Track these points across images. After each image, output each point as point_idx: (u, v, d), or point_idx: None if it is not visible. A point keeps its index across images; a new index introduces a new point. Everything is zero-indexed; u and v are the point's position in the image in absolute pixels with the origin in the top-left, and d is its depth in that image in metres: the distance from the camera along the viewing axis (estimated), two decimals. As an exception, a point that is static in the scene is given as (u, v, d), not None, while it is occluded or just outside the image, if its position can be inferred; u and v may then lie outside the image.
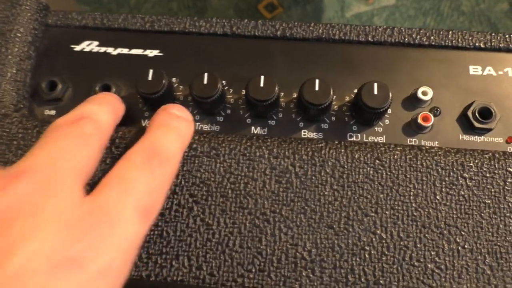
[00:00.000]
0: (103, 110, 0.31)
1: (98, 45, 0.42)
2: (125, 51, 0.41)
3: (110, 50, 0.41)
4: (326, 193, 0.33)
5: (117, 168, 0.28)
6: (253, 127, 0.38)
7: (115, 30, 0.42)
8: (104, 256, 0.24)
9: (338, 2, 1.44)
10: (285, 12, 1.45)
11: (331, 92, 0.35)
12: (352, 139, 0.37)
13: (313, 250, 0.32)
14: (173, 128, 0.31)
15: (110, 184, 0.27)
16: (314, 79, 0.35)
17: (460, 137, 0.37)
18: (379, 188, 0.33)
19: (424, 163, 0.33)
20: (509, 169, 0.33)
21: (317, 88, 0.35)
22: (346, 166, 0.33)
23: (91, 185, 0.28)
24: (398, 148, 0.34)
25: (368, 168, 0.33)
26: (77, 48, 0.42)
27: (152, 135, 0.30)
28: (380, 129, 0.38)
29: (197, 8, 1.47)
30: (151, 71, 0.36)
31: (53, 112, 0.40)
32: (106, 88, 0.39)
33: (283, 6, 1.45)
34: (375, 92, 0.35)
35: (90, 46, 0.42)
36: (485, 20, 1.44)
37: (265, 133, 0.38)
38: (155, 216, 0.28)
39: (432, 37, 0.40)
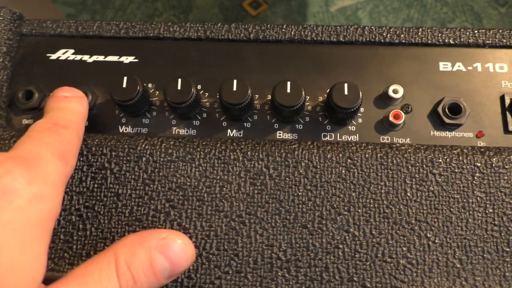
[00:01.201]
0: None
1: (74, 53, 0.42)
2: (100, 58, 0.42)
3: (86, 57, 0.42)
4: (299, 193, 0.34)
5: (25, 134, 0.32)
6: (229, 130, 0.39)
7: (90, 37, 0.42)
8: (34, 186, 0.28)
9: (322, -3, 1.45)
10: (270, 9, 1.45)
11: (303, 94, 0.36)
12: (326, 138, 0.38)
13: (288, 250, 0.33)
14: (64, 108, 0.35)
15: (23, 142, 0.31)
16: (286, 81, 0.36)
17: (432, 133, 0.38)
18: (351, 187, 0.34)
19: (394, 161, 0.34)
20: (477, 164, 0.34)
21: (289, 90, 0.36)
22: (318, 166, 0.34)
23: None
24: (369, 147, 0.35)
25: (340, 168, 0.34)
26: (53, 56, 0.42)
27: (46, 116, 0.35)
28: (353, 128, 0.38)
29: (182, 7, 1.47)
30: (125, 78, 0.37)
31: (30, 121, 0.40)
32: (83, 96, 0.40)
33: (268, 2, 1.46)
34: (346, 93, 0.35)
35: (65, 54, 0.42)
36: (468, 9, 1.45)
37: (241, 136, 0.39)
38: (73, 161, 0.33)
39: (402, 35, 0.40)
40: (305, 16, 1.44)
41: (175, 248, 0.30)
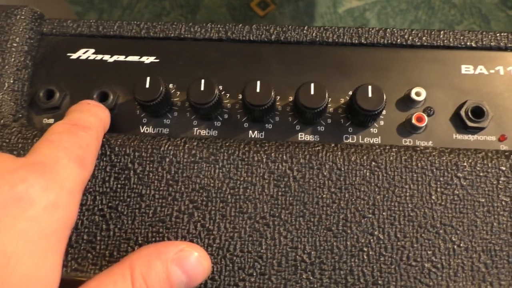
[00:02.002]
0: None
1: (94, 53, 0.42)
2: (121, 58, 0.42)
3: (107, 57, 0.42)
4: (324, 195, 0.34)
5: (43, 136, 0.31)
6: (250, 131, 0.39)
7: (110, 37, 0.42)
8: (50, 193, 0.27)
9: (330, -2, 1.45)
10: (278, 9, 1.45)
11: (327, 96, 0.36)
12: (348, 141, 0.38)
13: (312, 252, 0.33)
14: (85, 111, 0.35)
15: (40, 146, 0.30)
16: (310, 83, 0.36)
17: (454, 136, 0.38)
18: (376, 189, 0.34)
19: (419, 164, 0.34)
20: (502, 167, 0.34)
21: (312, 92, 0.36)
22: (343, 169, 0.34)
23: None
24: (393, 150, 0.35)
25: (365, 170, 0.34)
26: (74, 56, 0.42)
27: (66, 117, 0.34)
28: (375, 130, 0.38)
29: (190, 6, 1.47)
30: (148, 78, 0.37)
31: (51, 121, 0.40)
32: (104, 96, 0.40)
33: (276, 3, 1.45)
34: (369, 95, 0.35)
35: (86, 53, 0.42)
36: (476, 12, 1.45)
37: (262, 137, 0.39)
38: (91, 166, 0.32)
39: (424, 38, 0.40)
40: (312, 16, 1.44)
41: (192, 261, 0.29)
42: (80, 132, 0.32)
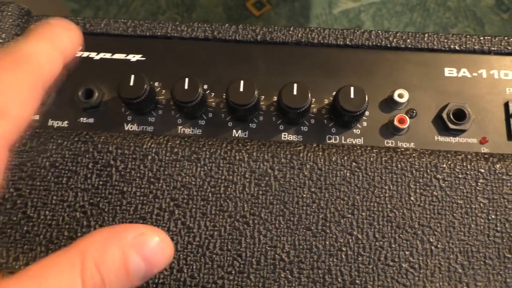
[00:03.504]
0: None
1: (81, 50, 0.42)
2: (107, 55, 0.42)
3: (93, 54, 0.42)
4: (304, 195, 0.34)
5: None
6: (234, 131, 0.39)
7: (97, 34, 0.42)
8: None
9: (326, -1, 1.45)
10: (273, 9, 1.45)
11: (309, 96, 0.36)
12: (331, 141, 0.38)
13: (291, 251, 0.33)
14: (37, 34, 0.26)
15: None
16: (293, 83, 0.36)
17: (436, 138, 0.38)
18: (356, 190, 0.34)
19: (399, 165, 0.34)
20: (481, 170, 0.34)
21: (295, 92, 0.36)
22: (323, 169, 0.34)
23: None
24: (374, 151, 0.35)
25: (345, 171, 0.34)
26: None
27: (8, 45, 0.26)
28: (358, 131, 0.38)
29: (186, 6, 1.47)
30: (133, 76, 0.37)
31: (36, 117, 0.40)
32: (89, 92, 0.40)
33: (271, 3, 1.46)
34: (352, 96, 0.36)
35: (72, 51, 0.42)
36: (470, 15, 1.46)
37: (246, 136, 0.39)
38: (17, 112, 0.24)
39: (408, 40, 0.41)
40: (308, 17, 1.44)
41: (152, 246, 0.26)
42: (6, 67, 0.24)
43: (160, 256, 0.26)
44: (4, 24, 0.40)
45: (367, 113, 0.39)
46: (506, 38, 0.41)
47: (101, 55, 0.42)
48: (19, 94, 0.24)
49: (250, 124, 0.39)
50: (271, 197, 0.34)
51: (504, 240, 0.33)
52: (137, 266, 0.25)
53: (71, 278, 0.23)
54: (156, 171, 0.35)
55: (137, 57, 0.42)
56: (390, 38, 0.41)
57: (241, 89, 0.36)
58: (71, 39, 0.28)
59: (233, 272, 0.33)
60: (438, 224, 0.33)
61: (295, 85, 0.36)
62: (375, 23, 1.43)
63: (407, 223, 0.33)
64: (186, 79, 0.37)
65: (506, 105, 0.38)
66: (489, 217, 0.33)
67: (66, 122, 0.40)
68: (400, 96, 0.38)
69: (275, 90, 0.40)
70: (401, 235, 0.33)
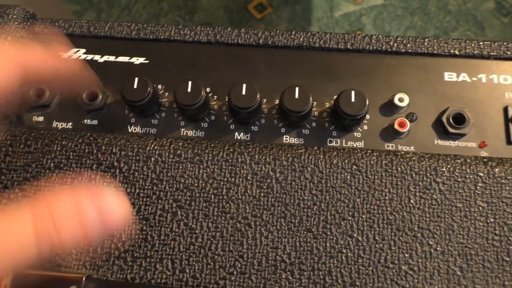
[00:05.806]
0: None
1: (85, 53, 0.43)
2: (111, 58, 0.42)
3: (97, 57, 0.42)
4: (305, 197, 0.34)
5: None
6: (236, 133, 0.40)
7: (101, 37, 0.43)
8: None
9: (327, 2, 1.46)
10: (275, 12, 1.46)
11: (311, 100, 0.36)
12: (332, 144, 0.39)
13: (292, 253, 0.33)
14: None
15: None
16: (294, 87, 0.37)
17: (435, 142, 0.38)
18: (356, 192, 0.34)
19: (399, 168, 0.35)
20: (480, 173, 0.34)
21: (297, 96, 0.36)
22: (324, 172, 0.35)
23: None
24: (375, 154, 0.35)
25: (346, 173, 0.35)
26: (64, 55, 0.42)
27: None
28: (358, 135, 0.39)
29: (188, 8, 1.48)
30: (136, 79, 0.37)
31: (41, 119, 0.41)
32: (93, 95, 0.40)
33: (273, 6, 1.46)
34: (353, 100, 0.36)
35: (77, 53, 0.43)
36: (471, 18, 1.46)
37: (248, 139, 0.39)
38: None
39: (408, 45, 0.41)
40: (309, 20, 1.45)
41: (109, 199, 0.25)
42: None
43: (115, 210, 0.25)
44: (10, 27, 0.41)
45: (367, 116, 0.39)
46: (505, 43, 0.41)
47: (105, 58, 0.42)
48: None
49: (252, 127, 0.40)
50: (272, 199, 0.34)
51: (503, 243, 0.33)
52: (90, 216, 0.24)
53: (22, 220, 0.23)
54: (159, 172, 0.35)
55: (141, 60, 0.42)
56: (391, 43, 0.41)
57: (243, 92, 0.37)
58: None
59: (234, 273, 0.33)
60: (438, 227, 0.33)
61: (297, 88, 0.37)
62: (376, 27, 1.44)
63: (406, 225, 0.33)
64: (189, 82, 0.37)
65: (505, 109, 0.39)
66: (488, 221, 0.33)
67: (70, 123, 0.40)
68: (401, 100, 0.39)
69: (276, 94, 0.40)
70: (400, 238, 0.33)
